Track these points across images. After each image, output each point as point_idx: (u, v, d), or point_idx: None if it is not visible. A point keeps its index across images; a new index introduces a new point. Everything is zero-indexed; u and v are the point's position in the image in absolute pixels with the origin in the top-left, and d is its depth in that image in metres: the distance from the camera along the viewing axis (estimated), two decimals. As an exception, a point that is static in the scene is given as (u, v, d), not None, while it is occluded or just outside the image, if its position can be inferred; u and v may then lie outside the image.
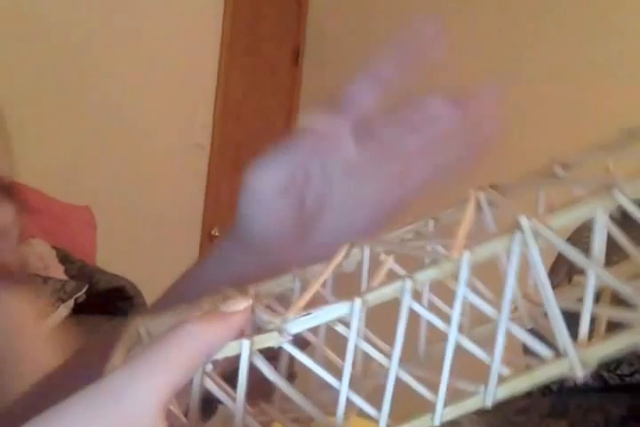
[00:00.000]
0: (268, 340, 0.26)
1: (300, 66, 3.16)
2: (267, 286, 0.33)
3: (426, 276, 0.26)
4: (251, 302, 0.27)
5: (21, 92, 1.84)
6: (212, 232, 2.74)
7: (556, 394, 0.85)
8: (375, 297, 0.26)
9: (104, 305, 1.59)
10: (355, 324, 0.26)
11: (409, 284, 0.26)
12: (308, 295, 0.28)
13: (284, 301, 0.33)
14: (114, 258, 2.00)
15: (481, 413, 0.27)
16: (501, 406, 0.27)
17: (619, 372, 0.95)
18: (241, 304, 0.27)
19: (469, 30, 2.75)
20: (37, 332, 0.60)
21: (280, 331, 0.26)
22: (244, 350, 0.26)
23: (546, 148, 2.07)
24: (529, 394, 0.28)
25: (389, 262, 0.30)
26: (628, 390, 0.94)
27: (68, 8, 1.98)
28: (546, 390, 0.93)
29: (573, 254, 0.25)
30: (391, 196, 0.40)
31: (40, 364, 0.55)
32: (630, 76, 2.64)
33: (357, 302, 0.26)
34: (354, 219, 0.40)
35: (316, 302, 0.29)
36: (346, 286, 0.35)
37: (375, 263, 0.32)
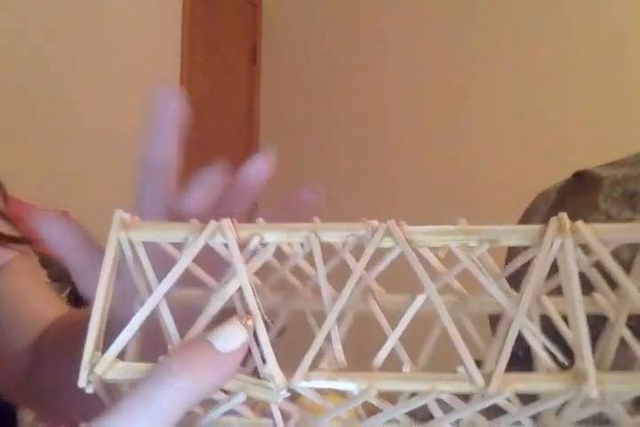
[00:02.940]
0: (264, 394, 0.24)
1: (257, 64, 3.31)
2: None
3: (448, 389, 0.23)
4: (247, 335, 0.24)
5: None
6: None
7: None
8: (389, 387, 0.24)
9: (86, 306, 1.61)
10: (360, 401, 0.24)
11: (433, 395, 0.24)
12: (312, 353, 0.25)
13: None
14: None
15: None
16: None
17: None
18: (238, 339, 0.24)
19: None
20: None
21: (277, 392, 0.24)
22: (235, 399, 0.25)
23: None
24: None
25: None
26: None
27: (25, 15, 1.96)
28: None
29: (615, 269, 0.23)
30: None
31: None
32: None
33: (372, 392, 0.24)
34: None
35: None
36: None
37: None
